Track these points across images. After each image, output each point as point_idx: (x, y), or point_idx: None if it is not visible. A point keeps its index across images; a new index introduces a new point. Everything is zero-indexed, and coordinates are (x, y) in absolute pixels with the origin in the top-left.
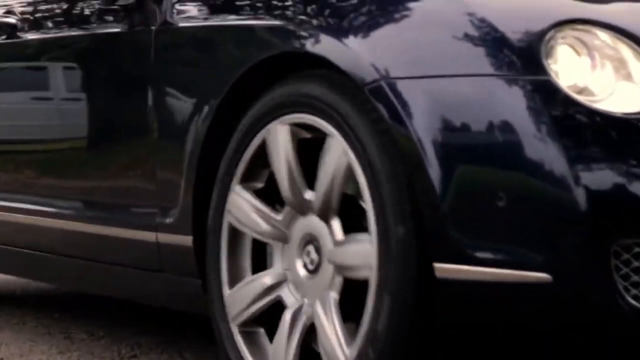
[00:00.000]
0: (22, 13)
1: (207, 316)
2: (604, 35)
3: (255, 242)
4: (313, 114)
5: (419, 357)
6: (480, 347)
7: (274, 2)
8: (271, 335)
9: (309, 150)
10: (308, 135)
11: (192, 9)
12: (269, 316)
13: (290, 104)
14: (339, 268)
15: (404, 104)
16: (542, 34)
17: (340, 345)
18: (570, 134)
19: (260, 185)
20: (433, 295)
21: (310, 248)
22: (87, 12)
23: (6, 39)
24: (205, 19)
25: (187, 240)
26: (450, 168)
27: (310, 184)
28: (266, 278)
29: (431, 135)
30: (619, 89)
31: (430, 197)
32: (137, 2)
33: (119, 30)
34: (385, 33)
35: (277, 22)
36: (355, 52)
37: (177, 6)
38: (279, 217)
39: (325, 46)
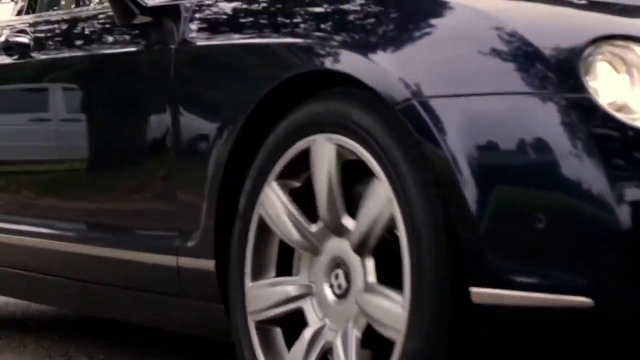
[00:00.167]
0: (34, 32)
1: (229, 341)
2: None
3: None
4: (353, 139)
5: None
6: None
7: (300, 20)
8: (288, 335)
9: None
10: (297, 184)
11: (211, 27)
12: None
13: (331, 123)
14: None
15: (438, 124)
16: (579, 50)
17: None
18: (610, 152)
19: (297, 184)
20: (469, 320)
21: (340, 272)
22: (101, 31)
23: (19, 58)
24: (227, 37)
25: (209, 264)
26: (486, 189)
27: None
28: (290, 287)
29: (467, 155)
30: None
31: (466, 219)
32: (154, 21)
33: (135, 49)
34: (415, 49)
35: (303, 40)
36: (385, 70)
37: (196, 24)
38: (313, 228)
39: (354, 64)
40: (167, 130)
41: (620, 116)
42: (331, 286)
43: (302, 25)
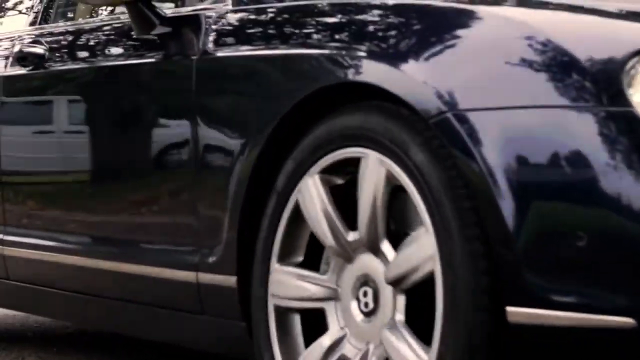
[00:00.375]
0: (49, 43)
1: None
2: None
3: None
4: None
5: None
6: None
7: (327, 31)
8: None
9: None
10: (340, 181)
11: (234, 38)
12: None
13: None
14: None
15: (474, 137)
16: (622, 62)
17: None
18: None
19: (340, 182)
20: (505, 340)
21: (369, 290)
22: (119, 41)
23: (33, 69)
24: (251, 48)
25: (231, 280)
26: (524, 205)
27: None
28: (316, 288)
29: (504, 170)
30: None
31: (502, 236)
32: (173, 31)
33: (154, 60)
34: (448, 61)
35: (330, 52)
36: (418, 82)
37: (218, 35)
38: (350, 237)
39: (385, 76)
40: (188, 142)
41: None
42: (358, 300)
43: (329, 37)
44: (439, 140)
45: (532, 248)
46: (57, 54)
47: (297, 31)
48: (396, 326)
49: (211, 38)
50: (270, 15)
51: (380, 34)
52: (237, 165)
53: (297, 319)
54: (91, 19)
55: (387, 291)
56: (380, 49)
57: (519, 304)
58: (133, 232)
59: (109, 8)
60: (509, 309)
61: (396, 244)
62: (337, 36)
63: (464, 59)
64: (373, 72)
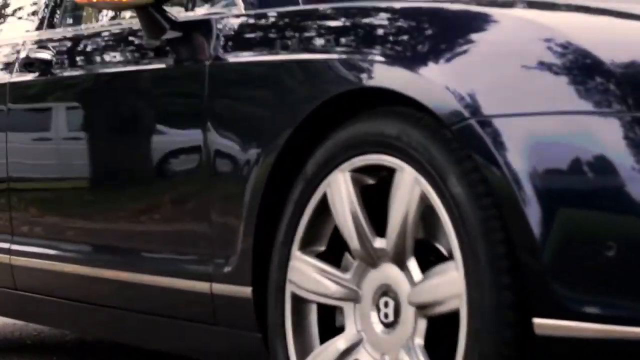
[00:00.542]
0: (57, 48)
1: None
2: None
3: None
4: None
5: None
6: None
7: (344, 35)
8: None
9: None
10: (372, 181)
11: (246, 43)
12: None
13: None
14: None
15: (498, 144)
16: None
17: None
18: None
19: (371, 182)
20: (531, 353)
21: (386, 299)
22: (128, 46)
23: (40, 75)
24: (266, 53)
25: (246, 291)
26: (551, 213)
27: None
28: (335, 287)
29: (530, 177)
30: None
31: (529, 246)
32: (184, 36)
33: (164, 66)
34: (470, 66)
35: (349, 56)
36: (440, 88)
37: (230, 40)
38: (377, 244)
39: (405, 81)
40: (200, 149)
41: None
42: (378, 309)
43: (345, 41)
44: (479, 173)
45: (559, 257)
46: (65, 60)
47: (312, 36)
48: (415, 349)
49: (223, 43)
50: (284, 19)
51: (398, 38)
52: (252, 173)
53: (314, 309)
54: (99, 24)
55: (409, 311)
56: (402, 55)
57: (546, 315)
58: (144, 241)
59: (114, 12)
60: (536, 320)
61: (420, 253)
62: (353, 41)
63: (484, 63)
64: (394, 78)
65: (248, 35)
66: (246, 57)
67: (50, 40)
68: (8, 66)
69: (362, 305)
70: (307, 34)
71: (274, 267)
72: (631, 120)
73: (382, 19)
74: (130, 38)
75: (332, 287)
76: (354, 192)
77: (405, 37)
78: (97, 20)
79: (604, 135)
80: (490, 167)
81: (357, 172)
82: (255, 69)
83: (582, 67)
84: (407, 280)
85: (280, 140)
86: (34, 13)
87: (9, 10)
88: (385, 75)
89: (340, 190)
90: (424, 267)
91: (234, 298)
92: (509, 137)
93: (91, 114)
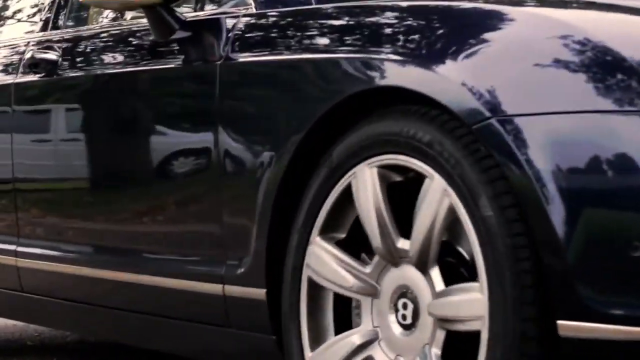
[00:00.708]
0: (62, 49)
1: None
2: None
3: (337, 296)
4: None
5: None
6: None
7: (357, 34)
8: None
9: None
10: (399, 178)
11: (258, 43)
12: None
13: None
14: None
15: (520, 144)
16: None
17: None
18: None
19: (399, 179)
20: (555, 355)
21: (405, 301)
22: (136, 46)
23: (45, 75)
24: (276, 52)
25: (260, 293)
26: (575, 213)
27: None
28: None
29: (553, 178)
30: None
31: (552, 247)
32: (193, 36)
33: (173, 66)
34: (489, 64)
35: (366, 55)
36: (460, 87)
37: (241, 40)
38: (400, 244)
39: (423, 80)
40: (211, 149)
41: None
42: (396, 309)
43: (358, 40)
44: (510, 196)
45: (583, 257)
46: (71, 60)
47: (324, 35)
48: (432, 358)
49: (234, 43)
50: (296, 18)
51: (414, 37)
52: (265, 173)
53: (330, 296)
54: (106, 24)
55: (428, 319)
56: (418, 53)
57: (571, 317)
58: (155, 243)
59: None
60: (560, 322)
61: (441, 254)
62: (367, 40)
63: (502, 60)
64: (412, 77)
65: (259, 35)
66: (258, 56)
67: (56, 40)
68: (12, 67)
69: (380, 301)
70: (319, 33)
71: (292, 249)
72: None
73: (398, 17)
74: (138, 38)
75: (350, 280)
76: (380, 189)
77: (421, 35)
78: (101, 21)
79: (628, 133)
80: (512, 167)
81: (385, 168)
82: (267, 69)
83: (602, 64)
84: (428, 286)
85: (294, 141)
86: (34, 15)
87: (8, 13)
88: (401, 74)
89: (366, 185)
90: (444, 268)
91: (248, 300)
92: (530, 136)
93: (98, 115)
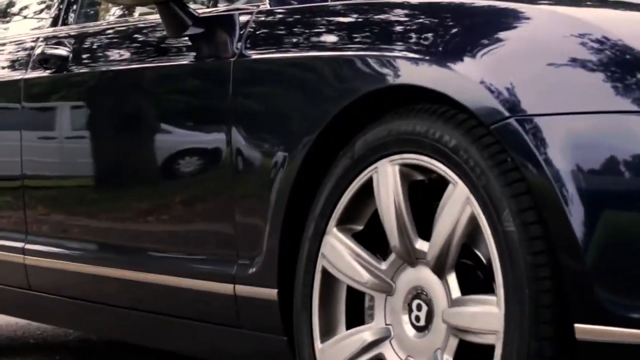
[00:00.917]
0: (73, 44)
1: None
2: None
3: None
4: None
5: None
6: None
7: (373, 31)
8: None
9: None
10: (421, 178)
11: (273, 40)
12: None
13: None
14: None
15: (539, 144)
16: None
17: None
18: None
19: (420, 178)
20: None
21: (419, 302)
22: (147, 43)
23: (56, 71)
24: (291, 49)
25: (271, 293)
26: (594, 215)
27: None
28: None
29: (573, 178)
30: None
31: (571, 248)
32: (206, 32)
33: (186, 62)
34: (507, 63)
35: (382, 53)
36: (478, 86)
37: (255, 36)
38: (418, 245)
39: (440, 79)
40: (223, 148)
41: None
42: (410, 309)
43: (374, 38)
44: (534, 211)
45: (602, 259)
46: (82, 56)
47: (339, 32)
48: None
49: (247, 39)
50: (311, 15)
51: (435, 35)
52: (278, 172)
53: (344, 288)
54: (118, 19)
55: (441, 325)
56: (436, 51)
57: (589, 320)
58: (166, 242)
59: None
60: (578, 326)
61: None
62: (384, 38)
63: (520, 59)
64: (430, 75)
65: (273, 32)
66: (272, 54)
67: (67, 36)
68: (22, 63)
69: (394, 299)
70: (334, 31)
71: (307, 238)
72: None
73: (413, 16)
74: (150, 35)
75: (365, 275)
76: (401, 188)
77: (437, 33)
78: (112, 17)
79: None
80: (531, 167)
81: (407, 167)
82: (281, 67)
83: (622, 63)
84: (444, 291)
85: (309, 140)
86: (42, 11)
87: (15, 9)
88: (417, 72)
89: (387, 182)
90: (461, 269)
91: (259, 300)
92: (549, 136)
93: (108, 112)
